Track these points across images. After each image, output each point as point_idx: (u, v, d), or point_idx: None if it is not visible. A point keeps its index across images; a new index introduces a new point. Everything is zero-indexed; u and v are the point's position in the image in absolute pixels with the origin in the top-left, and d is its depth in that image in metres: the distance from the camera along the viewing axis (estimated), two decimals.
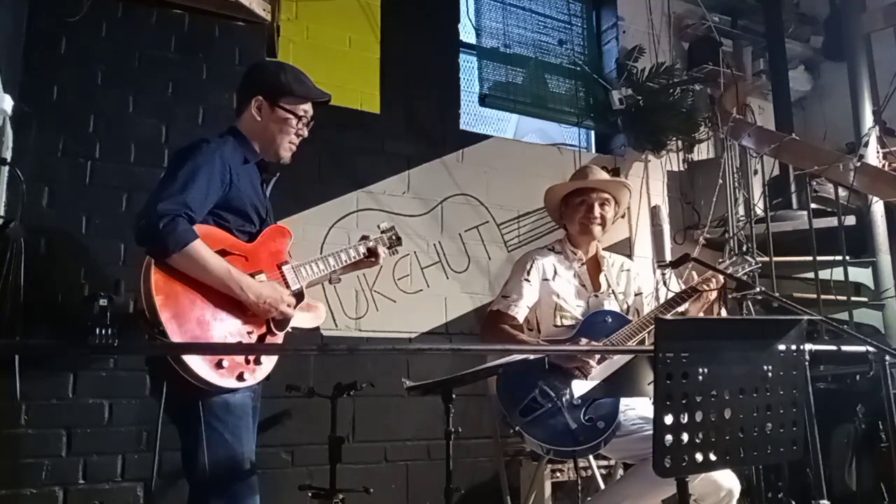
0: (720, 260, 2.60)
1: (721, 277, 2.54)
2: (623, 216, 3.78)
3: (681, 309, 2.58)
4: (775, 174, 4.34)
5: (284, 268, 2.07)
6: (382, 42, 3.82)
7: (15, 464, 2.72)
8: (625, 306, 2.71)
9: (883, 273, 3.95)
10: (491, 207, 3.97)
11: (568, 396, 2.41)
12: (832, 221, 3.89)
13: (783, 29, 4.87)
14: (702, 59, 4.80)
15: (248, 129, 2.13)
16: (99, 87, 3.11)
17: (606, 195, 2.73)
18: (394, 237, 2.41)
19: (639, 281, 2.81)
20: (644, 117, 4.43)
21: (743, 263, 2.57)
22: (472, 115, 4.27)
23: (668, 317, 2.48)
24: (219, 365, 1.81)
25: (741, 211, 4.30)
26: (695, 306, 2.61)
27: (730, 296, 2.66)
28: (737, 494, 2.32)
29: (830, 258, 3.72)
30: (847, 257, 3.70)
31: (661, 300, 2.76)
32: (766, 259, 3.71)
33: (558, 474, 3.29)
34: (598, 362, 2.46)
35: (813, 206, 3.86)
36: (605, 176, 2.81)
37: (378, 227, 2.41)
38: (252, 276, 1.94)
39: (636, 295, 2.78)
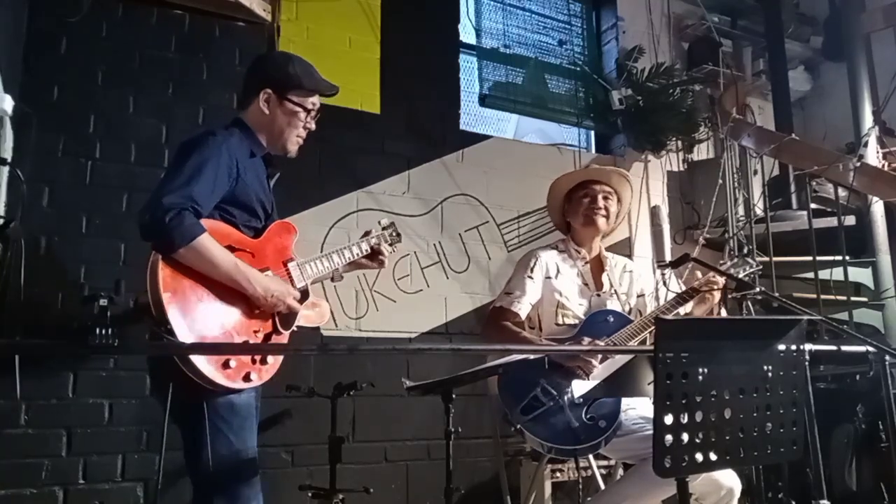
0: (721, 262, 2.60)
1: (724, 281, 2.55)
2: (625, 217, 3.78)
3: (683, 311, 2.59)
4: (775, 174, 4.34)
5: (290, 265, 2.03)
6: (382, 42, 3.82)
7: (15, 464, 2.72)
8: (627, 307, 2.72)
9: (883, 273, 3.95)
10: (491, 207, 3.98)
11: (570, 395, 2.41)
12: (832, 221, 3.89)
13: (783, 29, 4.87)
14: (702, 60, 4.81)
15: (255, 121, 2.07)
16: (99, 87, 3.12)
17: (609, 189, 2.74)
18: (394, 233, 2.38)
19: (641, 282, 2.82)
20: (644, 117, 4.43)
21: (744, 266, 2.57)
22: (472, 115, 4.27)
23: (669, 317, 2.48)
24: (226, 365, 1.78)
25: (741, 211, 4.30)
26: (698, 308, 2.61)
27: (730, 296, 2.65)
28: (737, 494, 2.32)
29: (830, 258, 3.72)
30: (847, 257, 3.70)
31: (661, 300, 2.77)
32: (766, 259, 3.71)
33: (558, 474, 3.29)
34: (601, 361, 2.47)
35: (813, 206, 3.86)
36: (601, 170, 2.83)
37: (378, 223, 2.38)
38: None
39: (639, 296, 2.78)
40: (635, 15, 4.78)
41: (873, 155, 4.10)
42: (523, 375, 2.42)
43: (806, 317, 1.72)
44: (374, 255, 2.30)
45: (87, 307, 1.36)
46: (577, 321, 2.61)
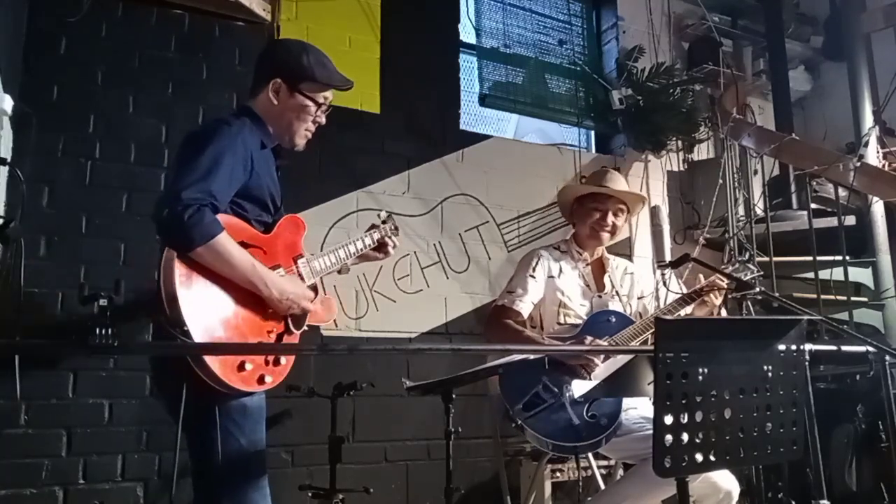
0: (722, 267, 2.60)
1: (726, 283, 2.55)
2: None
3: (684, 312, 2.59)
4: (775, 174, 4.34)
5: (300, 262, 1.96)
6: (382, 42, 3.82)
7: (15, 464, 2.72)
8: (629, 309, 2.72)
9: (883, 273, 3.95)
10: (491, 207, 3.97)
11: (571, 392, 2.42)
12: (832, 221, 3.89)
13: (783, 29, 4.87)
14: (702, 59, 4.80)
15: (264, 111, 1.97)
16: (99, 87, 3.12)
17: (622, 205, 2.75)
18: (393, 226, 2.33)
19: (641, 284, 2.83)
20: (644, 117, 4.43)
21: (744, 271, 2.57)
22: (472, 115, 4.27)
23: (669, 317, 2.49)
24: (241, 367, 1.71)
25: (741, 211, 4.30)
26: (699, 310, 2.62)
27: (730, 296, 2.66)
28: (735, 496, 2.32)
29: (830, 258, 3.72)
30: (847, 257, 3.70)
31: (661, 300, 2.77)
32: (766, 259, 3.71)
33: (558, 474, 3.29)
34: (603, 361, 2.47)
35: (813, 206, 3.86)
36: (624, 184, 2.81)
37: (378, 215, 2.34)
38: (271, 269, 1.84)
39: (639, 298, 2.79)
40: (635, 15, 4.78)
41: (873, 155, 4.10)
42: (525, 372, 2.43)
43: (806, 317, 1.71)
44: (381, 247, 2.25)
45: (87, 307, 1.34)
46: (579, 321, 2.62)
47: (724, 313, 2.94)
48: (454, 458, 2.05)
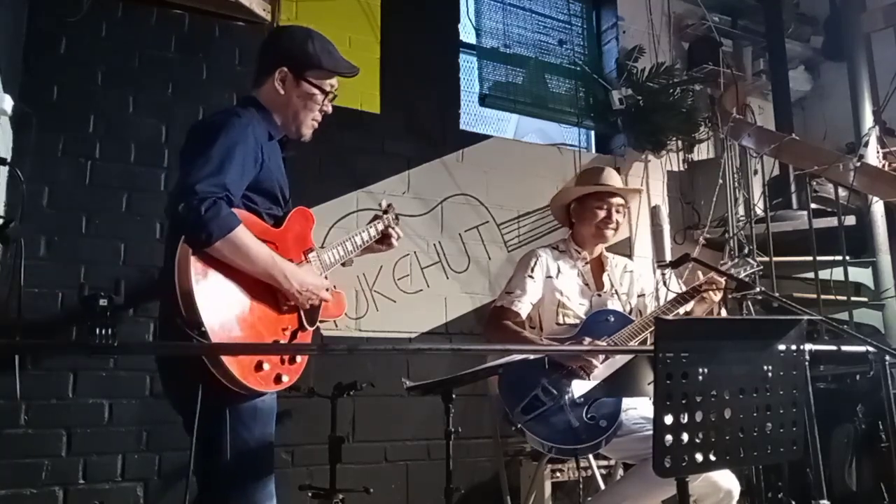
0: (721, 262, 2.61)
1: (725, 281, 2.55)
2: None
3: (683, 310, 2.59)
4: (775, 174, 4.34)
5: (310, 255, 1.92)
6: (382, 42, 3.82)
7: (15, 464, 2.72)
8: (628, 307, 2.72)
9: (883, 273, 3.95)
10: (491, 207, 3.97)
11: (570, 394, 2.42)
12: (832, 221, 3.89)
13: (783, 29, 4.87)
14: (702, 59, 4.80)
15: (269, 101, 1.93)
16: (99, 87, 3.12)
17: (622, 201, 2.76)
18: (394, 216, 2.30)
19: (641, 282, 2.83)
20: (644, 117, 4.43)
21: (744, 266, 2.58)
22: (472, 115, 4.27)
23: (669, 317, 2.49)
24: (259, 367, 1.66)
25: (741, 211, 4.30)
26: (699, 307, 2.62)
27: (730, 296, 2.66)
28: (736, 495, 2.32)
29: (830, 258, 3.72)
30: (847, 257, 3.70)
31: (661, 300, 2.77)
32: (766, 259, 3.71)
33: (558, 474, 3.29)
34: (602, 361, 2.47)
35: (813, 206, 3.86)
36: (619, 180, 2.82)
37: (379, 204, 2.32)
38: None
39: (639, 296, 2.79)
40: (635, 15, 4.78)
41: (873, 155, 4.10)
42: (524, 375, 2.43)
43: (806, 317, 1.71)
44: (385, 238, 2.23)
45: (87, 307, 1.34)
46: (577, 321, 2.61)
47: (724, 313, 2.94)
48: (454, 458, 2.05)
